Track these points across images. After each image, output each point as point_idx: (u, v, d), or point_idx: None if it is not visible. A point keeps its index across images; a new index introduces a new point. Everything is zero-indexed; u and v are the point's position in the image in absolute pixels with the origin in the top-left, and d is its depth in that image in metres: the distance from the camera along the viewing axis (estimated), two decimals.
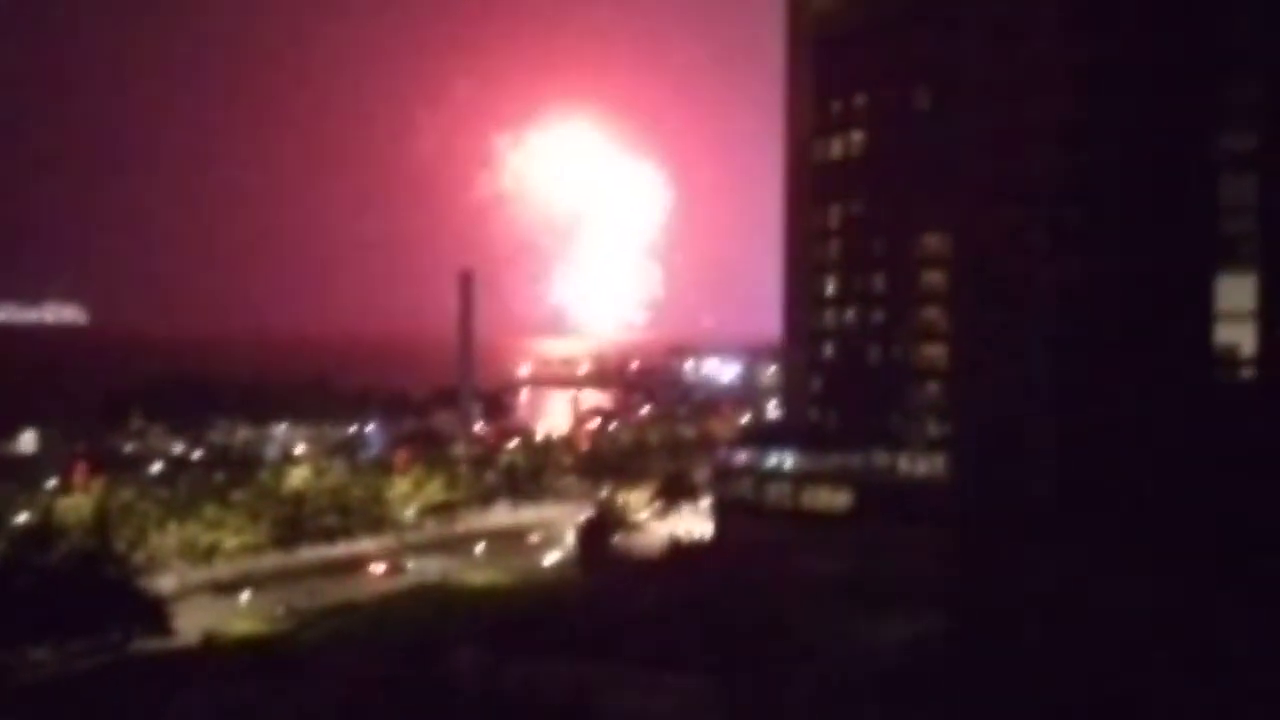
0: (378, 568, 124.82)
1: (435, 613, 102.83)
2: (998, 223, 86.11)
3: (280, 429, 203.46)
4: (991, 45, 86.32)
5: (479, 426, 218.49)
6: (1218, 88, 78.79)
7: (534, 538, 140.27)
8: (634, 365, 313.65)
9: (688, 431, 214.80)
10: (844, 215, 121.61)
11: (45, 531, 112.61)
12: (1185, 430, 77.90)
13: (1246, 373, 78.49)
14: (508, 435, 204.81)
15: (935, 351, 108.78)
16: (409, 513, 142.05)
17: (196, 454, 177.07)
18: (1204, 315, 78.08)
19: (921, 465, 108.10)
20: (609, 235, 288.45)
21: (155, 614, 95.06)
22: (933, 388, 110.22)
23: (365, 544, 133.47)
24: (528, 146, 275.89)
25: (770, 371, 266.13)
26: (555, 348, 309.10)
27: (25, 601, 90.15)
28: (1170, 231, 79.30)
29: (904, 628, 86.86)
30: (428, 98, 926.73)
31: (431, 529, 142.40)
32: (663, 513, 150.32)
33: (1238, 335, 77.89)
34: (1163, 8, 79.42)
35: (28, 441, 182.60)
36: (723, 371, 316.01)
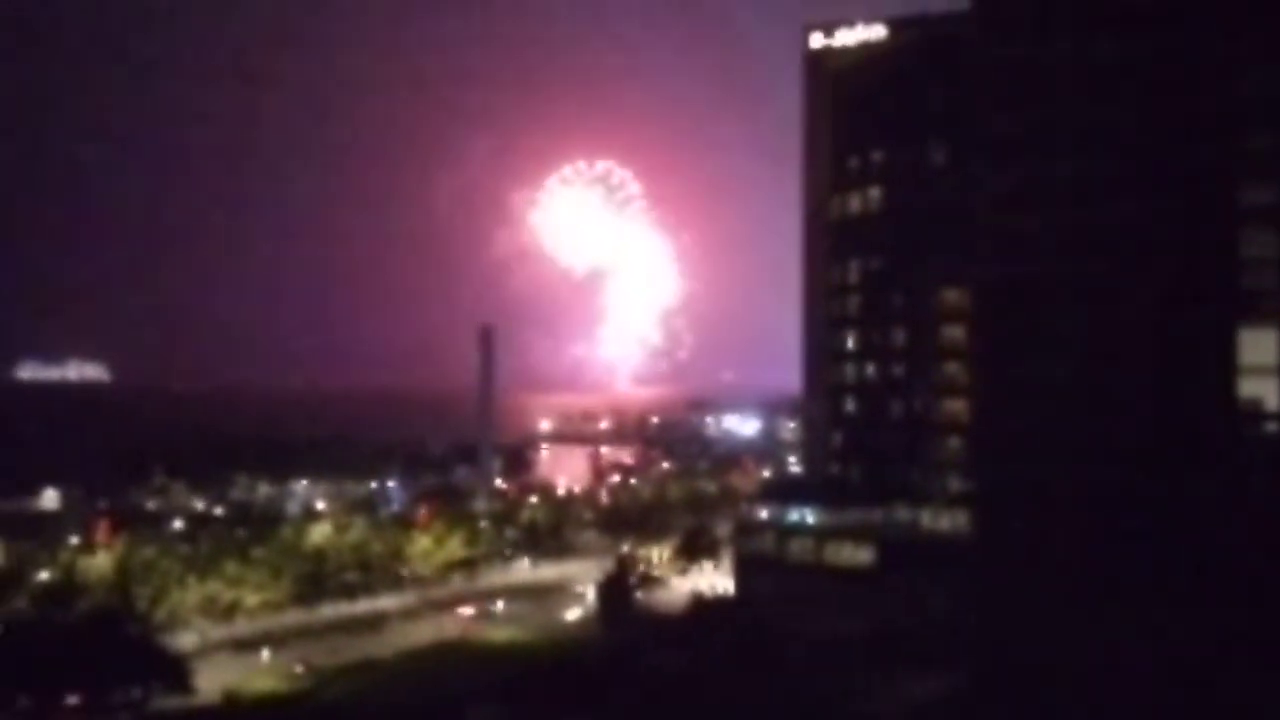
0: (466, 611, 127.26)
1: (455, 670, 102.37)
2: (1015, 277, 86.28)
3: (301, 485, 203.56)
4: (1008, 102, 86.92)
5: (499, 482, 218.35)
6: (1238, 141, 79.16)
7: (555, 594, 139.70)
8: (654, 420, 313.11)
9: (709, 487, 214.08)
10: (862, 270, 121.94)
11: (67, 589, 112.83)
12: (1211, 485, 77.50)
13: (1272, 427, 78.18)
14: (528, 490, 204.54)
15: (956, 406, 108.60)
16: (429, 569, 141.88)
17: (218, 510, 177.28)
18: (1227, 369, 77.96)
19: (944, 520, 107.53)
20: (628, 290, 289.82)
21: (176, 671, 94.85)
22: (954, 442, 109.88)
23: (386, 601, 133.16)
24: (546, 203, 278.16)
25: (791, 426, 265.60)
26: (575, 403, 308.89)
27: (47, 658, 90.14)
28: (1191, 286, 79.37)
29: (928, 684, 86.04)
30: (445, 153, 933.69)
31: (452, 586, 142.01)
32: (684, 568, 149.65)
33: (1261, 389, 77.70)
34: (1181, 63, 79.99)
35: (50, 499, 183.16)
36: (743, 426, 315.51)
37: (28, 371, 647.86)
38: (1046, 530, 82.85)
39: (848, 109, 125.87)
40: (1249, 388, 77.84)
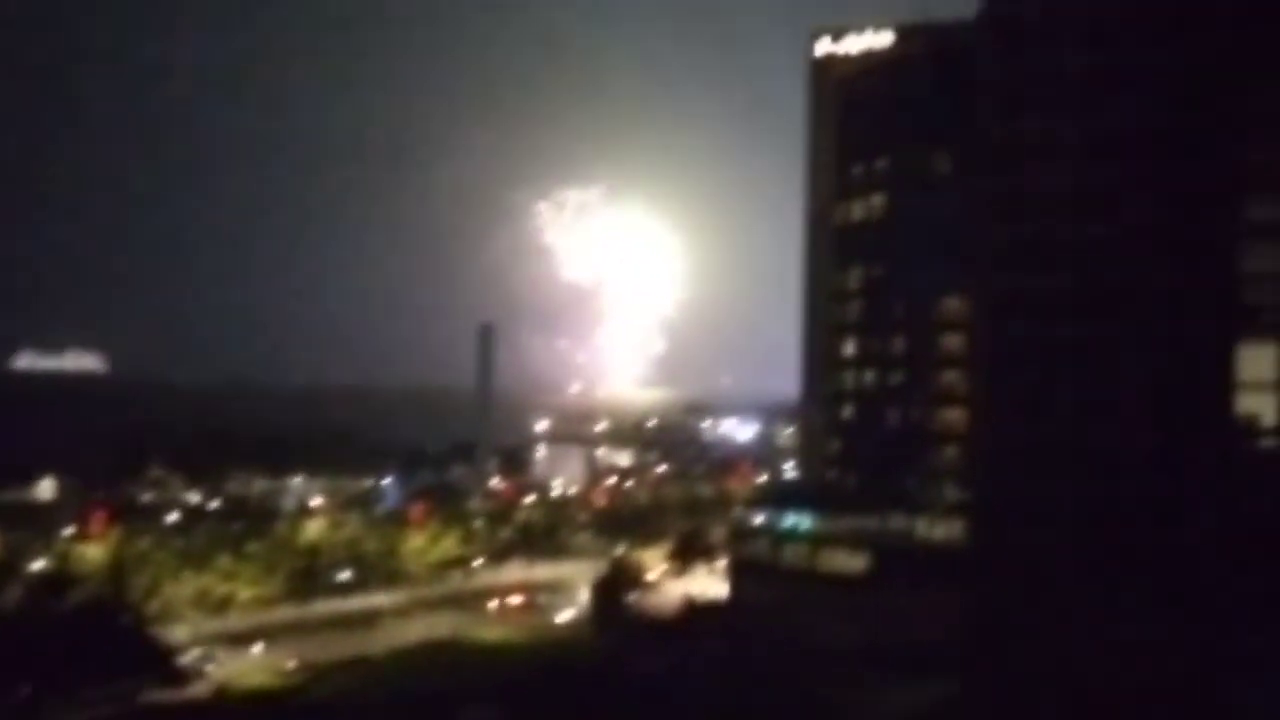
0: (514, 600, 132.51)
1: (447, 669, 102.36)
2: (1017, 287, 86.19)
3: (297, 480, 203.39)
4: (1012, 111, 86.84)
5: (495, 481, 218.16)
6: (1240, 156, 79.12)
7: (549, 595, 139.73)
8: (651, 423, 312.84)
9: (705, 490, 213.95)
10: (864, 277, 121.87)
11: (61, 578, 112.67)
12: (1208, 499, 77.44)
13: (1269, 442, 78.13)
14: (524, 491, 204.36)
15: (954, 415, 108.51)
16: (423, 567, 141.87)
17: (213, 504, 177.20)
18: (1225, 384, 77.89)
19: (939, 529, 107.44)
20: (629, 293, 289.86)
21: (168, 664, 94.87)
22: (951, 451, 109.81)
23: (379, 598, 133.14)
24: (549, 205, 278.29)
25: (788, 432, 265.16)
26: (573, 404, 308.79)
27: (39, 648, 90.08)
28: (1191, 299, 79.31)
29: (920, 694, 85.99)
30: (444, 150, 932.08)
31: (446, 584, 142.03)
32: (678, 572, 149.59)
33: (1260, 405, 77.65)
34: (1184, 76, 79.94)
35: (46, 489, 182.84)
36: (741, 431, 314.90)
37: (24, 361, 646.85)
38: (1042, 542, 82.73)
39: (853, 115, 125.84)
40: (1247, 403, 77.80)
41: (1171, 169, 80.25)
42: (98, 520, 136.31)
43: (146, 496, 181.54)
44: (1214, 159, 79.31)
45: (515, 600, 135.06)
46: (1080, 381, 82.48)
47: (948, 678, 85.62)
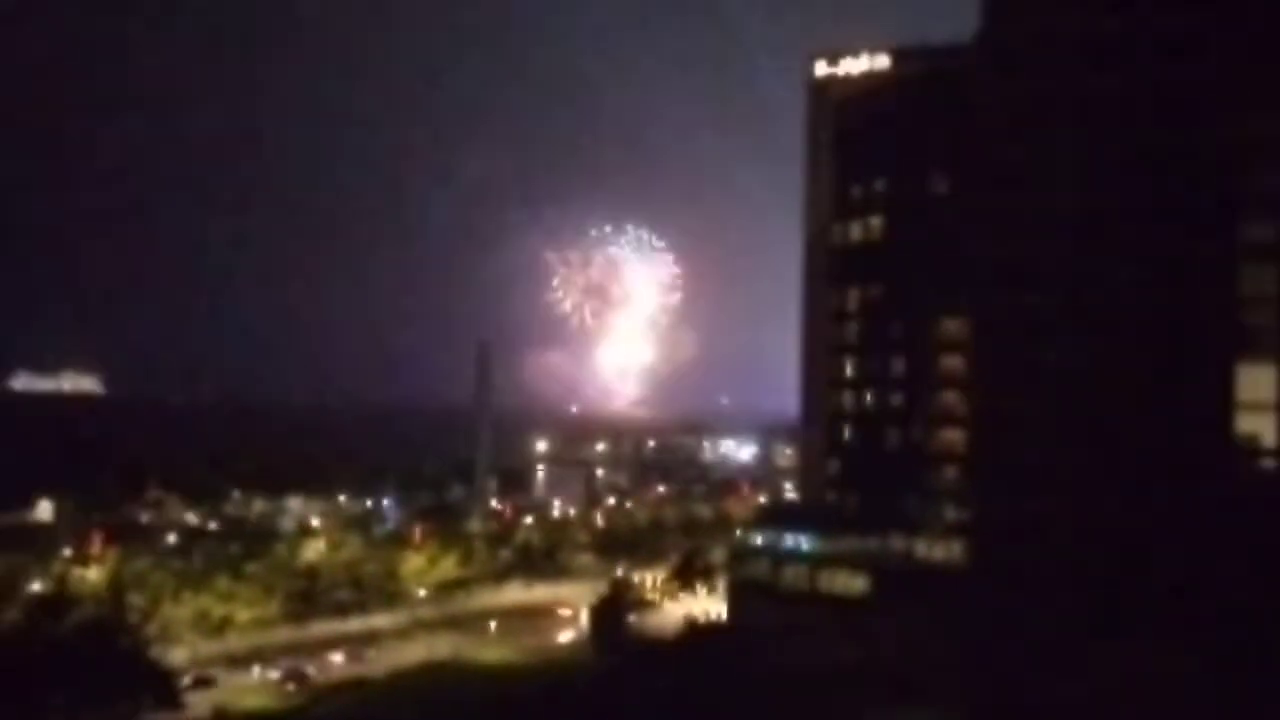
0: (564, 612, 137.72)
1: (446, 691, 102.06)
2: (1015, 308, 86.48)
3: (296, 501, 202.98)
4: (1009, 134, 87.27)
5: (495, 502, 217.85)
6: (1238, 178, 79.52)
7: (548, 616, 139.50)
8: (650, 443, 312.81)
9: (704, 511, 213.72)
10: (862, 298, 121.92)
11: (59, 600, 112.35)
12: (1206, 519, 77.53)
13: (1269, 463, 78.30)
14: (524, 511, 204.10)
15: (953, 436, 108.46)
16: (422, 588, 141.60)
17: (212, 525, 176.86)
18: (1225, 405, 78.10)
19: (938, 550, 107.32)
20: (628, 313, 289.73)
21: (166, 686, 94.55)
22: (950, 472, 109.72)
23: (378, 619, 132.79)
24: (545, 225, 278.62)
25: (787, 452, 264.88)
26: (572, 424, 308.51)
27: (37, 670, 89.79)
28: (1190, 321, 79.57)
29: (919, 716, 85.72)
30: (445, 171, 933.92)
31: (446, 605, 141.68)
32: (678, 593, 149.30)
33: (1259, 425, 77.87)
34: (1182, 101, 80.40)
35: (44, 510, 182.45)
36: (740, 451, 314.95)
37: (20, 383, 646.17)
38: (1041, 562, 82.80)
39: (850, 137, 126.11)
40: (1246, 423, 78.00)
41: (1169, 191, 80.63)
42: (95, 541, 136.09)
43: (145, 517, 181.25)
44: (1210, 182, 79.71)
45: (565, 612, 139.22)
46: (1078, 402, 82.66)
47: (947, 700, 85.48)
